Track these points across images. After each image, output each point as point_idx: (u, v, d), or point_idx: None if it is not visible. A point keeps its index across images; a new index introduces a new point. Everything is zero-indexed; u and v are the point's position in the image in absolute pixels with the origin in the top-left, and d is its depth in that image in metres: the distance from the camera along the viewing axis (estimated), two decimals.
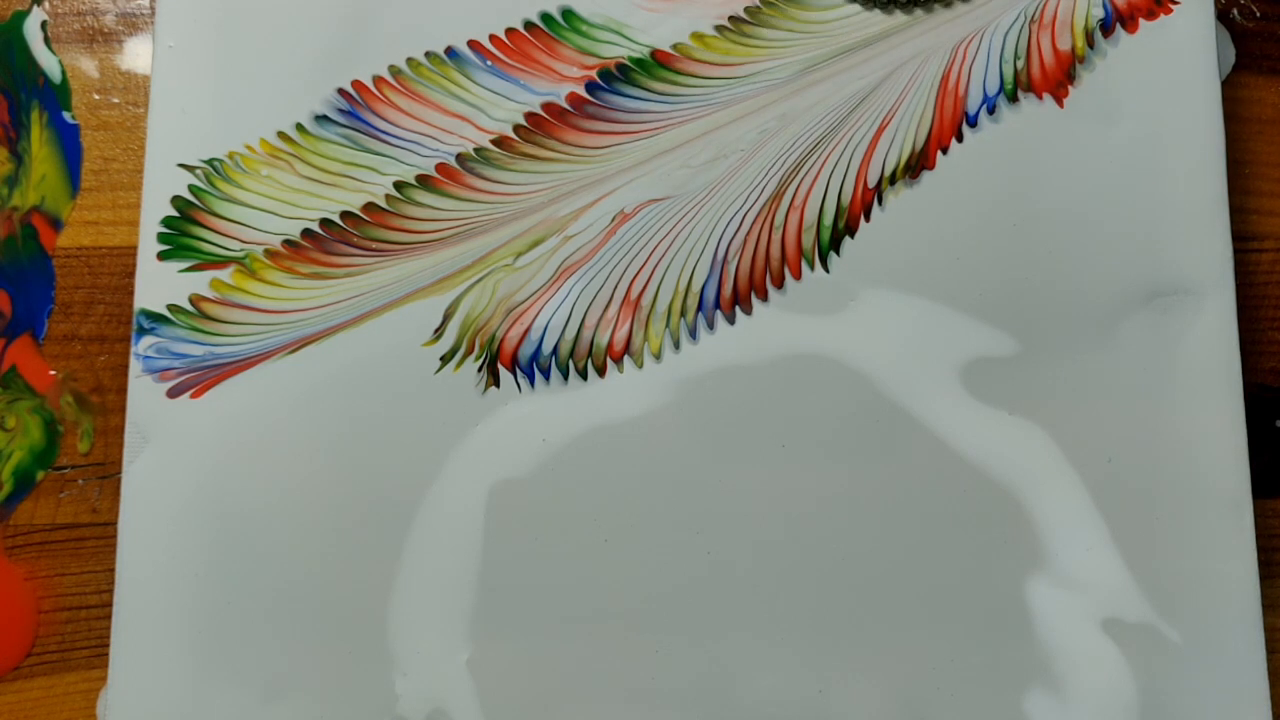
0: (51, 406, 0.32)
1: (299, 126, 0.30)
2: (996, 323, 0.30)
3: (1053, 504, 0.29)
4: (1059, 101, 0.30)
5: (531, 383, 0.29)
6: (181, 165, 0.30)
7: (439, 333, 0.29)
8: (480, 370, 0.29)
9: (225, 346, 0.29)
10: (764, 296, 0.30)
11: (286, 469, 0.29)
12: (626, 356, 0.29)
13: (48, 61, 0.33)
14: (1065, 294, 0.30)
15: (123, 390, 0.30)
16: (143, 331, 0.29)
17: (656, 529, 0.29)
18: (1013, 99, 0.30)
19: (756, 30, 0.31)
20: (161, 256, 0.29)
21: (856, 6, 0.31)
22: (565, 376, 0.29)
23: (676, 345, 0.30)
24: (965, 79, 0.31)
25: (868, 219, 0.30)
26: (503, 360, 0.29)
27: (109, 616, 0.28)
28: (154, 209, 0.30)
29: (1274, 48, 0.34)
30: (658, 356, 0.29)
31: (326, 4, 0.30)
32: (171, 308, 0.29)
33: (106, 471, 0.32)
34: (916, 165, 0.30)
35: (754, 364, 0.29)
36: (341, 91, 0.30)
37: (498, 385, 0.29)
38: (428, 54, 0.30)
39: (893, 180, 0.30)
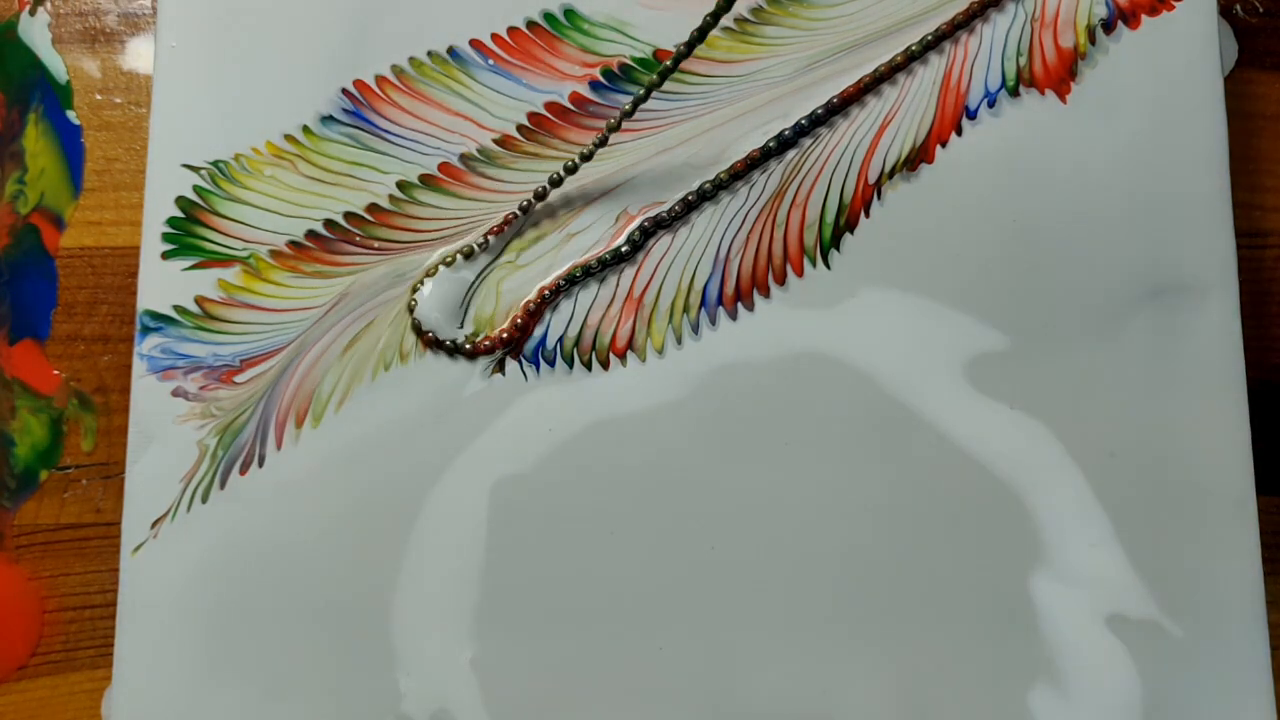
0: (59, 406, 0.32)
1: (305, 128, 0.30)
2: (999, 318, 0.30)
3: (1056, 500, 0.29)
4: (1061, 98, 0.30)
5: (537, 370, 0.29)
6: (186, 166, 0.30)
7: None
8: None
9: (228, 346, 0.29)
10: (766, 294, 0.30)
11: (290, 467, 0.29)
12: (630, 352, 0.29)
13: (53, 61, 0.33)
14: (1068, 290, 0.30)
15: (126, 390, 0.30)
16: (147, 331, 0.29)
17: (659, 526, 0.29)
18: (1014, 95, 0.30)
19: (759, 29, 0.31)
20: (165, 256, 0.29)
21: (859, 4, 0.31)
22: (570, 366, 0.29)
23: (679, 341, 0.30)
24: (968, 76, 0.31)
25: (868, 215, 0.30)
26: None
27: (113, 616, 0.28)
28: (157, 209, 0.30)
29: (1277, 44, 0.34)
30: (660, 352, 0.29)
31: (328, 4, 0.31)
32: (176, 308, 0.29)
33: (110, 471, 0.32)
34: (915, 160, 0.30)
35: (757, 360, 0.29)
36: (344, 91, 0.30)
37: (503, 373, 0.29)
38: (430, 53, 0.30)
39: (891, 174, 0.30)
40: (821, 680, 0.28)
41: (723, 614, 0.29)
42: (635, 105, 0.28)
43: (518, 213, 0.28)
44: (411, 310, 0.28)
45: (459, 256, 0.28)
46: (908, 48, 0.30)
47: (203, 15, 0.30)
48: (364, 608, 0.28)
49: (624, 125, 0.30)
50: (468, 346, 0.28)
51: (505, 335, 0.28)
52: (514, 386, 0.29)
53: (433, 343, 0.28)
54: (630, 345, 0.30)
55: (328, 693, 0.28)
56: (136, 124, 0.33)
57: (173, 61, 0.30)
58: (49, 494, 0.32)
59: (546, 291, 0.29)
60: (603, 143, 0.27)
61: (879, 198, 0.30)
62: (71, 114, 0.33)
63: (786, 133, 0.30)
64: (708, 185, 0.30)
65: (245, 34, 0.30)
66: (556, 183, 0.28)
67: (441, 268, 0.28)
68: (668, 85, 0.30)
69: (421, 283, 0.28)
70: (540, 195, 0.28)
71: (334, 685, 0.28)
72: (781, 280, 0.30)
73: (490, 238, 0.27)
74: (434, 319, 0.28)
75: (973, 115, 0.30)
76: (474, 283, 0.28)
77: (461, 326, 0.28)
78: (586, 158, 0.28)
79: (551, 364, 0.29)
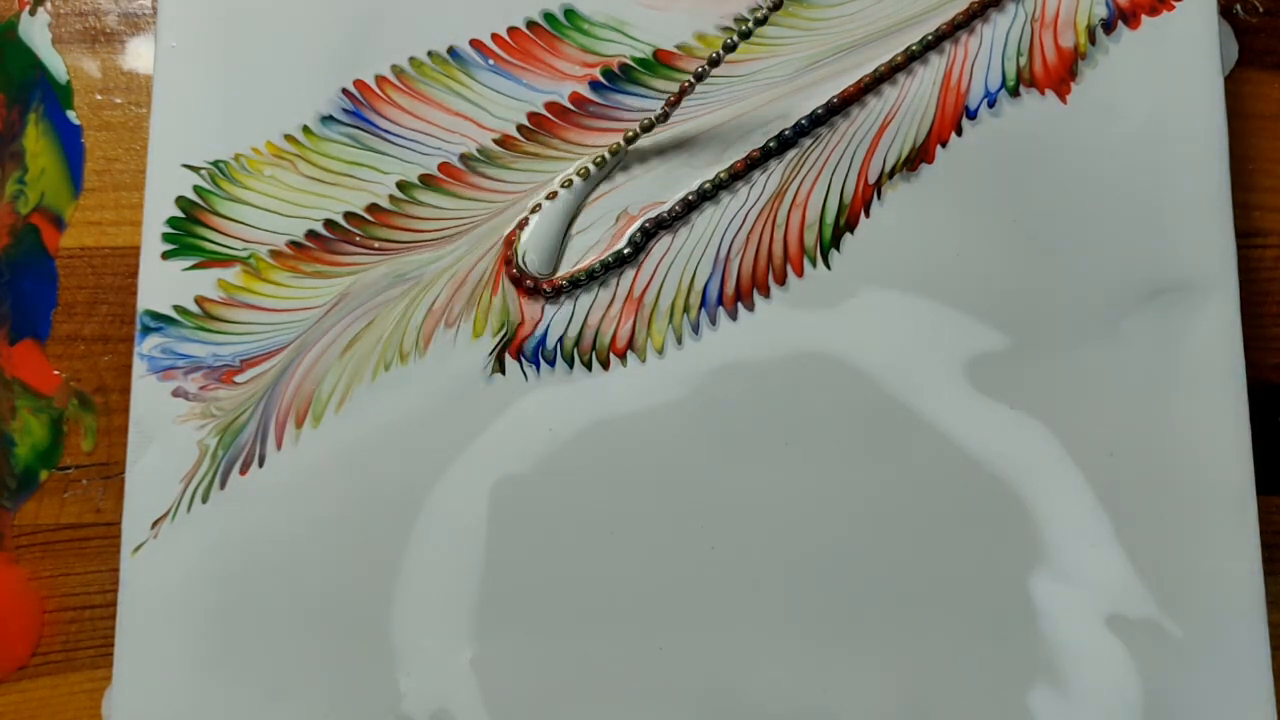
0: (60, 406, 0.32)
1: (305, 128, 0.30)
2: (999, 318, 0.30)
3: (1056, 500, 0.29)
4: (1061, 98, 0.30)
5: (537, 370, 0.29)
6: (186, 166, 0.30)
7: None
8: (490, 354, 0.29)
9: (228, 346, 0.29)
10: (766, 294, 0.30)
11: (290, 467, 0.29)
12: (630, 352, 0.29)
13: (53, 62, 0.33)
14: (1068, 290, 0.30)
15: (126, 390, 0.30)
16: (147, 331, 0.29)
17: (659, 526, 0.29)
18: (1014, 95, 0.30)
19: (759, 29, 0.31)
20: (165, 256, 0.29)
21: (859, 4, 0.31)
22: (570, 366, 0.29)
23: (679, 341, 0.30)
24: (968, 76, 0.31)
25: (868, 215, 0.30)
26: (510, 350, 0.29)
27: (113, 616, 0.28)
28: (157, 209, 0.30)
29: (1277, 43, 0.34)
30: (660, 353, 0.29)
31: (328, 4, 0.31)
32: (177, 308, 0.29)
33: (110, 471, 0.32)
34: (915, 160, 0.30)
35: (757, 360, 0.29)
36: (345, 91, 0.30)
37: (503, 373, 0.29)
38: (430, 53, 0.30)
39: (891, 174, 0.30)
40: (821, 679, 0.28)
41: (723, 614, 0.29)
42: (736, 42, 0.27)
43: (620, 144, 0.28)
44: (516, 236, 0.28)
45: (559, 189, 0.28)
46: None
47: (203, 15, 0.30)
48: (364, 608, 0.28)
49: (624, 128, 0.30)
50: (545, 286, 0.28)
51: (578, 278, 0.29)
52: (514, 386, 0.29)
53: (517, 277, 0.28)
54: (630, 345, 0.30)
55: (328, 693, 0.28)
56: (136, 124, 0.33)
57: (173, 61, 0.30)
58: (49, 494, 0.32)
59: (616, 245, 0.29)
60: (702, 76, 0.27)
61: (879, 198, 0.30)
62: (71, 114, 0.33)
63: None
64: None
65: (245, 34, 0.30)
66: (664, 116, 0.28)
67: (545, 201, 0.28)
68: (667, 85, 0.30)
69: (530, 214, 0.28)
70: (647, 128, 0.28)
71: (334, 685, 0.28)
72: (781, 280, 0.30)
73: (595, 165, 0.27)
74: (531, 257, 0.28)
75: (973, 115, 0.30)
76: (572, 220, 0.28)
77: (556, 268, 0.28)
78: (685, 92, 0.27)
79: (551, 364, 0.29)
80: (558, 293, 0.29)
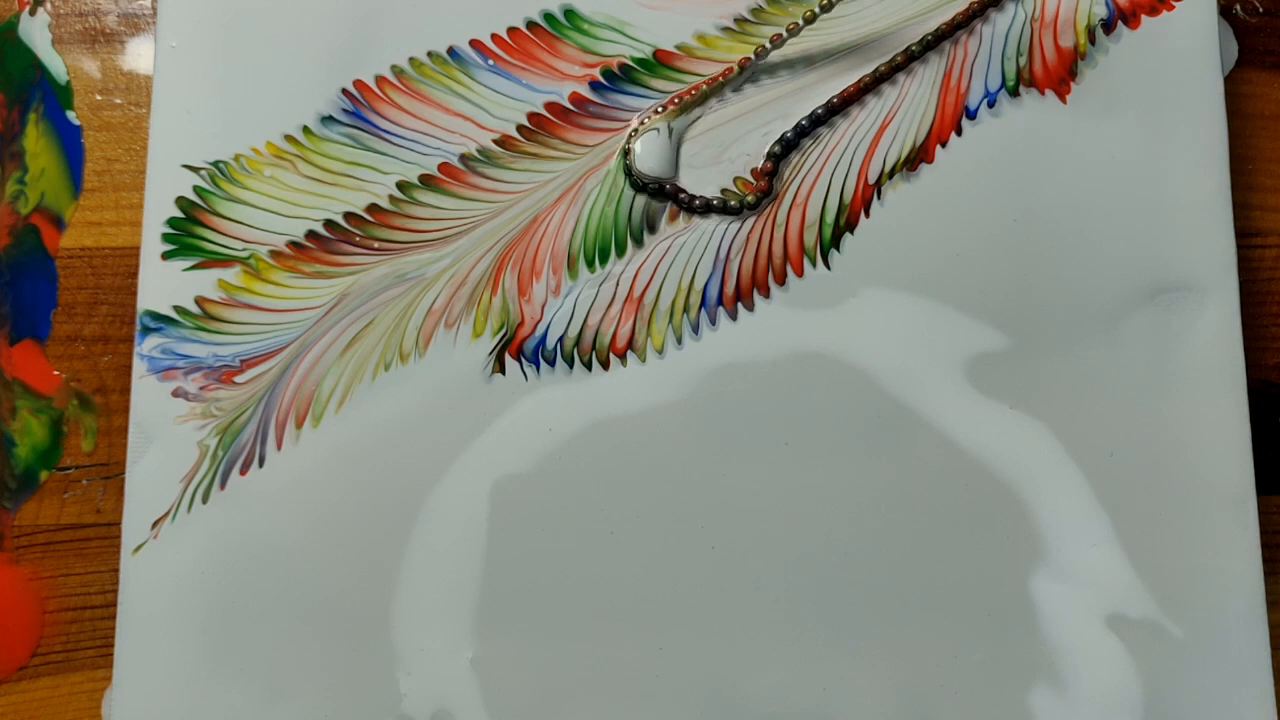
0: (60, 407, 0.32)
1: (305, 128, 0.30)
2: (999, 318, 0.30)
3: (1056, 501, 0.29)
4: (1061, 98, 0.30)
5: (537, 370, 0.29)
6: (186, 166, 0.30)
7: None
8: (490, 354, 0.29)
9: (228, 346, 0.29)
10: (766, 294, 0.30)
11: (290, 467, 0.29)
12: (630, 352, 0.29)
13: (53, 62, 0.33)
14: (1068, 290, 0.30)
15: (126, 390, 0.30)
16: (147, 331, 0.29)
17: (659, 526, 0.29)
18: (1014, 95, 0.30)
19: (759, 29, 0.31)
20: (165, 256, 0.29)
21: (858, 4, 0.31)
22: (570, 366, 0.29)
23: (679, 341, 0.30)
24: (968, 76, 0.31)
25: (868, 215, 0.30)
26: (510, 350, 0.29)
27: (113, 616, 0.28)
28: (157, 209, 0.30)
29: (1276, 43, 0.34)
30: (660, 352, 0.29)
31: (328, 4, 0.31)
32: (176, 308, 0.29)
33: (110, 472, 0.32)
34: (915, 160, 0.30)
35: (757, 360, 0.29)
36: (344, 91, 0.30)
37: (503, 372, 0.29)
38: (430, 53, 0.30)
39: (891, 174, 0.30)
40: (821, 679, 0.28)
41: (723, 614, 0.29)
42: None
43: (751, 58, 0.28)
44: (628, 156, 0.28)
45: (664, 111, 0.28)
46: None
47: (203, 15, 0.30)
48: (364, 608, 0.28)
49: (624, 128, 0.30)
50: (683, 196, 0.28)
51: (757, 193, 0.29)
52: (514, 386, 0.29)
53: (643, 186, 0.29)
54: (630, 345, 0.30)
55: (328, 693, 0.28)
56: (136, 124, 0.33)
57: (173, 61, 0.30)
58: (49, 494, 0.32)
59: (775, 149, 0.29)
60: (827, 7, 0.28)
61: (879, 198, 0.30)
62: (71, 114, 0.33)
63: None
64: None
65: (245, 34, 0.30)
66: (778, 44, 0.28)
67: (649, 134, 0.28)
68: (667, 85, 0.30)
69: (632, 139, 0.28)
70: (760, 54, 0.28)
71: (334, 685, 0.28)
72: (781, 280, 0.30)
73: (705, 87, 0.27)
74: (650, 166, 0.28)
75: (973, 115, 0.30)
76: (684, 131, 0.28)
77: (675, 173, 0.28)
78: (809, 20, 0.28)
79: (551, 364, 0.29)
80: (692, 211, 0.29)
